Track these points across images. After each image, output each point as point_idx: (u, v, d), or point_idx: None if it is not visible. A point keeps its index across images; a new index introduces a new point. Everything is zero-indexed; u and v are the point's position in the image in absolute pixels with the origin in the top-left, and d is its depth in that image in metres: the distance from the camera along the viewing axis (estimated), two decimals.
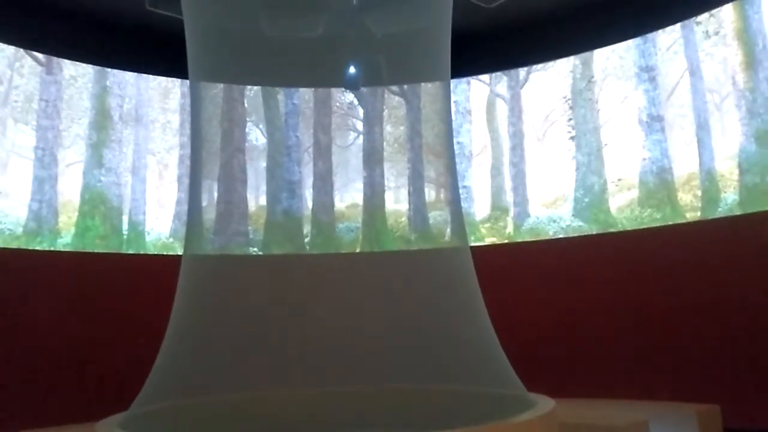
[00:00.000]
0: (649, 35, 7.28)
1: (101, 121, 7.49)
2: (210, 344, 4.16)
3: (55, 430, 5.11)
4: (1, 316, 5.87)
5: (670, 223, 6.81)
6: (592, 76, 7.75)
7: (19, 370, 5.83)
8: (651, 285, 6.39)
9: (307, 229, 7.44)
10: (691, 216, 6.77)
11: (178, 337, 4.10)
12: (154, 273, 6.70)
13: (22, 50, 7.02)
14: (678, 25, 7.04)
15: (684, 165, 6.96)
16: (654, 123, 7.20)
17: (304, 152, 7.85)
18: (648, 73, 7.30)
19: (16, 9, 6.70)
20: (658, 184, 7.09)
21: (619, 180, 7.41)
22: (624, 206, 7.35)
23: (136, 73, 7.78)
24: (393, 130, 8.01)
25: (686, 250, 6.28)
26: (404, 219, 7.80)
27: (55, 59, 7.24)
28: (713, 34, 6.80)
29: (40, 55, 7.16)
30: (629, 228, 7.13)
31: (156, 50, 7.54)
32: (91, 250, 7.05)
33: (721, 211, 6.52)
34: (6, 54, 6.94)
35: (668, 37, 7.18)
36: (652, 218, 7.05)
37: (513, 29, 7.78)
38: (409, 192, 7.77)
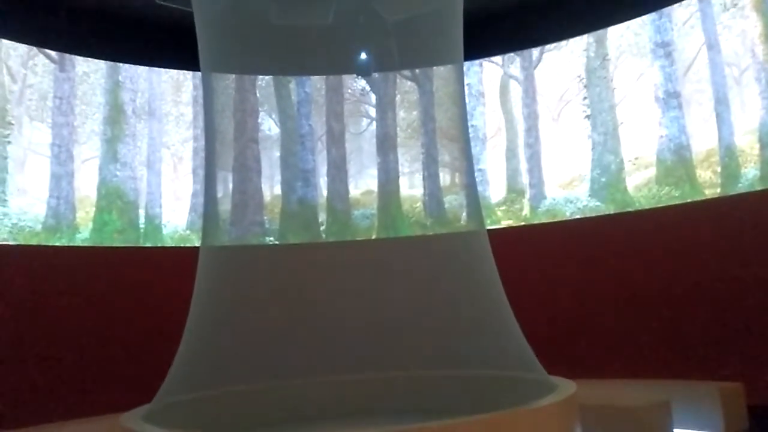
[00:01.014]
0: (665, 10, 7.13)
1: (115, 116, 7.53)
2: (231, 335, 4.19)
3: (77, 423, 5.17)
4: (23, 311, 5.96)
5: (689, 200, 6.72)
6: (607, 54, 7.63)
7: (40, 363, 5.93)
8: (670, 264, 6.33)
9: (322, 217, 7.44)
10: (711, 193, 6.67)
11: (198, 329, 4.13)
12: (172, 265, 6.76)
13: (35, 48, 7.05)
14: None
15: (703, 141, 6.84)
16: (671, 99, 7.08)
17: (317, 140, 7.84)
18: (664, 48, 7.17)
19: (27, 7, 6.72)
20: (676, 161, 6.99)
21: (636, 158, 7.31)
22: (641, 185, 7.26)
23: (147, 67, 7.79)
24: (406, 115, 7.96)
25: (706, 228, 6.20)
26: (419, 204, 7.77)
27: (67, 56, 7.27)
28: (731, 7, 6.65)
29: (52, 53, 7.19)
30: (647, 207, 7.04)
31: (167, 43, 7.55)
32: (109, 245, 7.12)
33: (741, 187, 6.41)
34: (19, 53, 6.98)
35: (684, 11, 7.04)
36: (671, 196, 6.95)
37: (524, 9, 7.67)
38: (423, 177, 7.73)
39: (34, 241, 6.66)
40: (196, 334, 4.10)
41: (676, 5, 7.05)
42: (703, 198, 6.65)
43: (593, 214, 7.40)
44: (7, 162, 6.68)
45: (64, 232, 6.94)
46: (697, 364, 5.83)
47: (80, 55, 7.35)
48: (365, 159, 7.87)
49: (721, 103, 6.67)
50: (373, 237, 7.47)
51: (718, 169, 6.67)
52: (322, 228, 7.31)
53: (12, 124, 6.82)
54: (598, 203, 7.48)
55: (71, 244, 6.91)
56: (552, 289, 6.93)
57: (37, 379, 5.85)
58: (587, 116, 7.69)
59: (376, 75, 7.43)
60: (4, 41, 6.77)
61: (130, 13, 7.20)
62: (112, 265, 6.70)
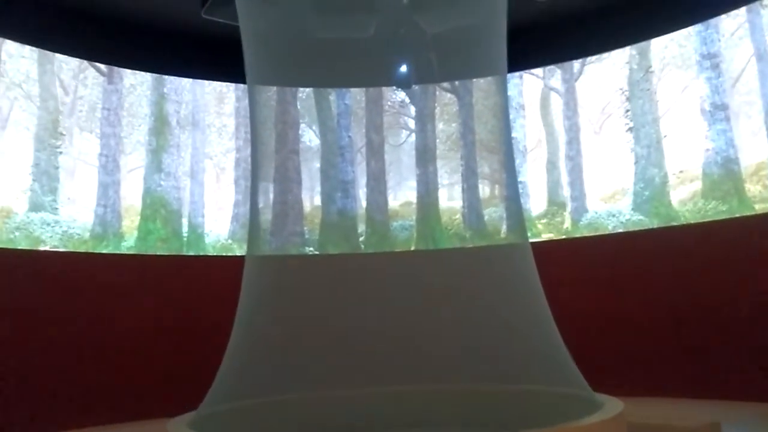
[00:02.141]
0: (712, 21, 6.99)
1: (160, 127, 7.71)
2: (276, 345, 4.21)
3: (116, 428, 5.25)
4: (72, 317, 6.11)
5: (737, 215, 6.54)
6: (650, 66, 7.51)
7: (90, 368, 6.06)
8: (717, 280, 6.14)
9: (361, 228, 7.47)
10: (761, 208, 6.49)
11: (244, 338, 4.16)
12: (214, 274, 6.85)
13: (85, 62, 7.29)
14: (743, 9, 6.74)
15: (752, 154, 6.67)
16: (718, 112, 6.93)
17: (357, 152, 7.89)
18: (710, 60, 7.03)
19: (79, 23, 6.94)
20: (723, 175, 6.82)
21: (681, 172, 7.16)
22: (687, 199, 7.11)
23: (191, 80, 7.96)
24: (445, 128, 7.97)
25: (754, 244, 6.02)
26: (458, 216, 7.75)
27: (115, 69, 7.49)
28: None
29: (102, 66, 7.42)
30: (692, 221, 6.88)
31: (211, 56, 7.69)
32: (153, 253, 7.26)
33: None
34: (71, 66, 7.22)
35: (732, 22, 6.89)
36: (717, 211, 6.78)
37: (566, 21, 7.60)
38: (462, 189, 7.71)
39: (82, 249, 6.83)
40: (242, 342, 4.14)
41: (723, 16, 6.91)
42: (753, 213, 6.47)
43: (636, 228, 7.26)
44: (58, 172, 6.90)
45: (110, 240, 7.12)
46: (747, 385, 5.65)
47: (128, 68, 7.57)
48: (404, 171, 7.91)
49: None
50: (412, 248, 7.47)
51: None
52: (361, 239, 7.35)
53: (63, 135, 7.04)
54: (641, 217, 7.35)
55: (117, 252, 7.07)
56: (594, 304, 6.79)
57: (81, 383, 5.97)
58: (630, 129, 7.57)
59: (415, 87, 7.45)
60: (58, 55, 7.02)
61: (176, 27, 7.37)
62: (156, 274, 6.82)
